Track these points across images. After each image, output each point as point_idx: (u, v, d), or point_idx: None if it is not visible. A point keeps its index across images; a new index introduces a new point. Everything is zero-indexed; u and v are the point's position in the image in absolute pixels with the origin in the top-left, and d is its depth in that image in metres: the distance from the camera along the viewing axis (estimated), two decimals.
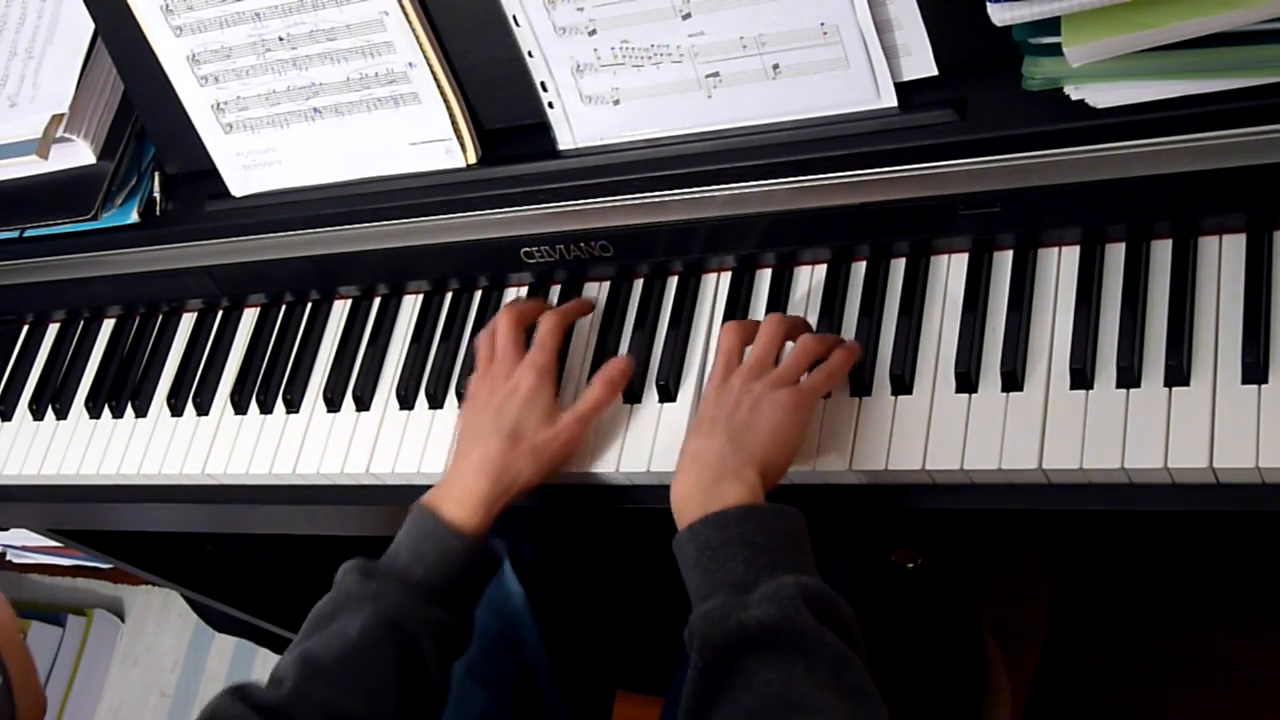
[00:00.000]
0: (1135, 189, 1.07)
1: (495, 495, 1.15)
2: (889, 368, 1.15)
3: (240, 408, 1.42)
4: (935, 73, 1.11)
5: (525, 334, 1.25)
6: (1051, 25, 0.99)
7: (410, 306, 1.40)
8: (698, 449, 1.09)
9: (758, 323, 1.17)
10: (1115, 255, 1.13)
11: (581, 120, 1.22)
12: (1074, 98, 1.03)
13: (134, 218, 1.41)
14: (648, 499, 1.22)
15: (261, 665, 2.41)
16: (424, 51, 1.23)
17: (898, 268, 1.20)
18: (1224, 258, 1.09)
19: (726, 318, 1.24)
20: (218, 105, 1.33)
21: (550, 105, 1.22)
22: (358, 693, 1.06)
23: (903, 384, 1.14)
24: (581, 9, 1.16)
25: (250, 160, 1.35)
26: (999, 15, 0.98)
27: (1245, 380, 1.03)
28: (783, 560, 1.00)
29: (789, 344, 1.17)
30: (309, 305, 1.45)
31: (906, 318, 1.17)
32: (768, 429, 1.08)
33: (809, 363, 1.13)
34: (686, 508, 1.06)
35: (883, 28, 1.10)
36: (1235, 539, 1.10)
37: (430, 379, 1.34)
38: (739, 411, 1.09)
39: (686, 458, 1.09)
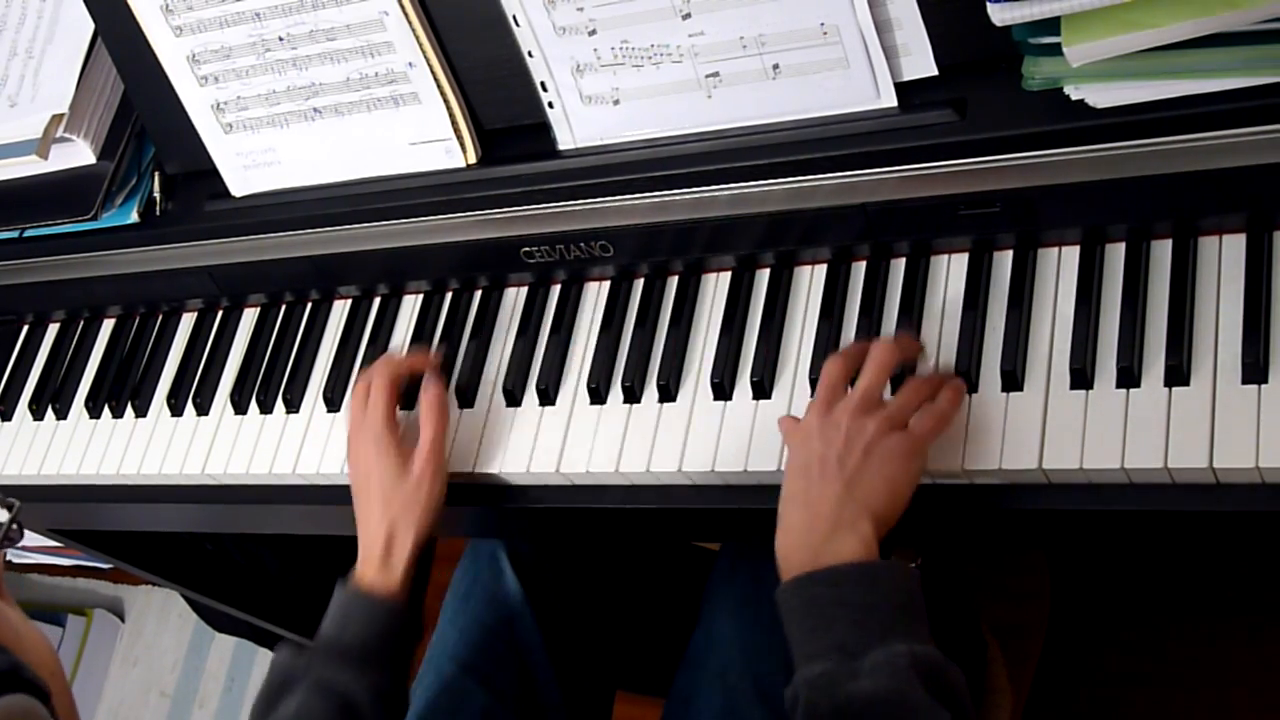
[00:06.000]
0: (1135, 189, 1.07)
1: (397, 555, 1.18)
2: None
3: (240, 408, 1.42)
4: (935, 73, 1.11)
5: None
6: (1051, 25, 0.99)
7: (410, 306, 1.40)
8: (809, 494, 1.03)
9: (864, 347, 1.11)
10: (1115, 255, 1.13)
11: (581, 120, 1.22)
12: (1074, 98, 1.03)
13: (134, 218, 1.41)
14: (648, 500, 1.22)
15: (261, 665, 2.40)
16: (424, 51, 1.23)
17: (898, 268, 1.20)
18: (1224, 258, 1.09)
19: (726, 318, 1.24)
20: (218, 105, 1.33)
21: (550, 105, 1.22)
22: None
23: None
24: (581, 9, 1.16)
25: (250, 160, 1.35)
26: (999, 15, 0.98)
27: (1245, 380, 1.03)
28: (896, 624, 0.96)
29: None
30: (309, 305, 1.45)
31: (906, 318, 1.17)
32: (883, 478, 1.02)
33: (918, 403, 1.08)
34: (795, 557, 1.01)
35: (883, 28, 1.10)
36: (1235, 539, 1.10)
37: None
38: (851, 454, 1.03)
39: (795, 502, 1.04)
